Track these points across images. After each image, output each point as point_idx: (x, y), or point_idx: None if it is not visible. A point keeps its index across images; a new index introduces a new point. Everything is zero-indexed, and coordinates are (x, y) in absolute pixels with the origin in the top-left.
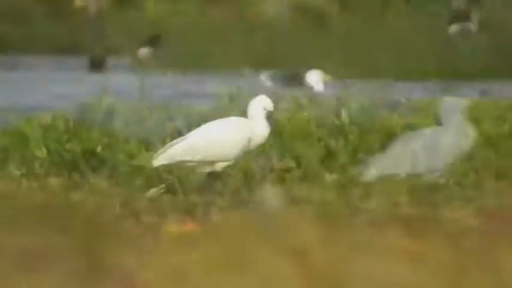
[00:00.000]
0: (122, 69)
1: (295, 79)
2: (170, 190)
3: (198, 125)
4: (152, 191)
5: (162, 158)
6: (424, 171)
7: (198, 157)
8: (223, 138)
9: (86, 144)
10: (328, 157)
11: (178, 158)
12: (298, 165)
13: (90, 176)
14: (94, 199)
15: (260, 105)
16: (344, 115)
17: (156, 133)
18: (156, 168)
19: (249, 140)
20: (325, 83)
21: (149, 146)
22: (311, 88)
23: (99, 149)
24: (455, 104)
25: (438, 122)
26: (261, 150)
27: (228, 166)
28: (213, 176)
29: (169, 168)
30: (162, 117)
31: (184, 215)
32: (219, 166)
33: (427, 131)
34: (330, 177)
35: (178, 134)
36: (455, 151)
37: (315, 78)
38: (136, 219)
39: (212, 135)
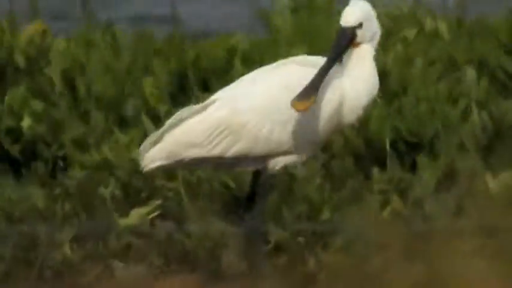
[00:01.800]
0: None
1: None
2: (173, 213)
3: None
4: (136, 214)
5: (158, 153)
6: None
7: (237, 148)
8: (288, 105)
9: None
10: None
11: (194, 152)
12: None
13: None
14: None
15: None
16: None
17: None
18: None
19: (340, 107)
20: None
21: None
22: None
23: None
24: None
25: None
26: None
27: (295, 163)
28: (264, 183)
29: (169, 169)
30: None
31: (205, 271)
32: (276, 164)
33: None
34: None
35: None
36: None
37: None
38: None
39: (264, 98)
